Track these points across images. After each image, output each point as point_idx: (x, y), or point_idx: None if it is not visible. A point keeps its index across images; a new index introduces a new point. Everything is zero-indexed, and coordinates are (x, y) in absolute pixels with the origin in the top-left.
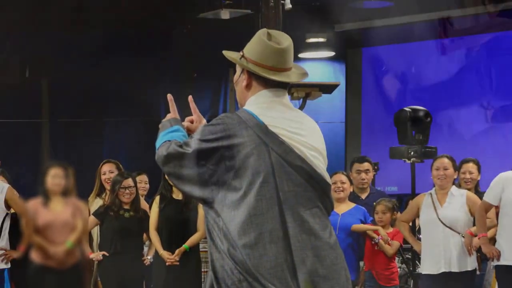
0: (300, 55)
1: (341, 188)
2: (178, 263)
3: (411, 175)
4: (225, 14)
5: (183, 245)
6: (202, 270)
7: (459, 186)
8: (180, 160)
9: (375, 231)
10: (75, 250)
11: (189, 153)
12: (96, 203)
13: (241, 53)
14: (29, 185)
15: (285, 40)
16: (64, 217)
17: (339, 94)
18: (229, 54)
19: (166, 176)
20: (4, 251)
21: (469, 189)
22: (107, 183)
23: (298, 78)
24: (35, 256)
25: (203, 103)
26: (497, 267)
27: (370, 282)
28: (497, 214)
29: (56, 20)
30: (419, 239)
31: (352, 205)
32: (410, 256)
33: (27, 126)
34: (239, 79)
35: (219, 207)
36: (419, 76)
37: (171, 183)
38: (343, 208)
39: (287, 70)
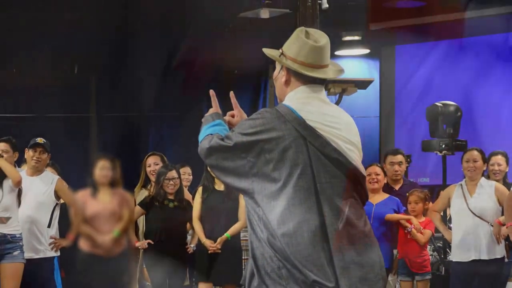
0: (337, 53)
1: (375, 180)
2: (220, 251)
3: (442, 167)
4: (264, 13)
5: (225, 234)
6: (243, 258)
7: (488, 177)
8: (222, 153)
9: (408, 221)
10: (122, 238)
11: (230, 146)
12: (141, 194)
13: (280, 50)
14: (78, 176)
15: (322, 38)
16: (111, 207)
17: (374, 89)
18: (268, 52)
19: (208, 168)
20: (54, 240)
21: (497, 181)
22: (152, 174)
23: (335, 74)
24: (83, 244)
25: (243, 99)
26: None
27: (403, 269)
28: None
29: (103, 19)
30: (450, 228)
31: (386, 195)
32: (441, 244)
33: (76, 120)
34: (278, 76)
35: (259, 198)
36: (450, 73)
37: (213, 175)
38: (377, 198)
39: (324, 67)
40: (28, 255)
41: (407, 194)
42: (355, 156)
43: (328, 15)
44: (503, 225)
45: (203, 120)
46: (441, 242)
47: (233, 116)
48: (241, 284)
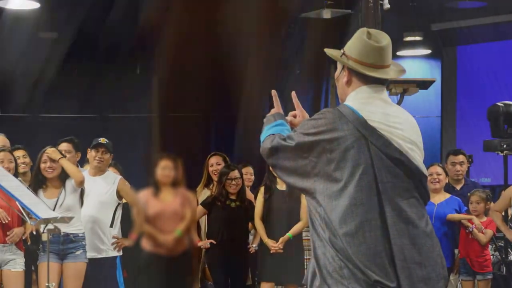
0: (398, 53)
1: (437, 180)
2: (282, 251)
3: (503, 167)
4: (326, 14)
5: (287, 234)
6: (305, 257)
7: None
8: (284, 153)
9: (469, 220)
10: (184, 238)
11: (292, 146)
12: (204, 193)
13: (342, 51)
14: (140, 176)
15: (384, 39)
16: (173, 207)
17: (435, 90)
18: (330, 52)
19: (270, 168)
20: (116, 239)
21: None
22: (215, 174)
23: (396, 74)
24: (145, 244)
25: (305, 99)
26: None
27: (465, 269)
28: None
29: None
30: None
31: (448, 195)
32: (503, 244)
33: (138, 120)
34: (340, 76)
35: (320, 197)
36: (511, 73)
37: (275, 175)
38: (439, 198)
39: (386, 67)
40: (90, 254)
41: (469, 194)
42: (417, 156)
43: (390, 15)
44: None
45: (265, 120)
46: (502, 242)
47: (295, 116)
48: (303, 284)
